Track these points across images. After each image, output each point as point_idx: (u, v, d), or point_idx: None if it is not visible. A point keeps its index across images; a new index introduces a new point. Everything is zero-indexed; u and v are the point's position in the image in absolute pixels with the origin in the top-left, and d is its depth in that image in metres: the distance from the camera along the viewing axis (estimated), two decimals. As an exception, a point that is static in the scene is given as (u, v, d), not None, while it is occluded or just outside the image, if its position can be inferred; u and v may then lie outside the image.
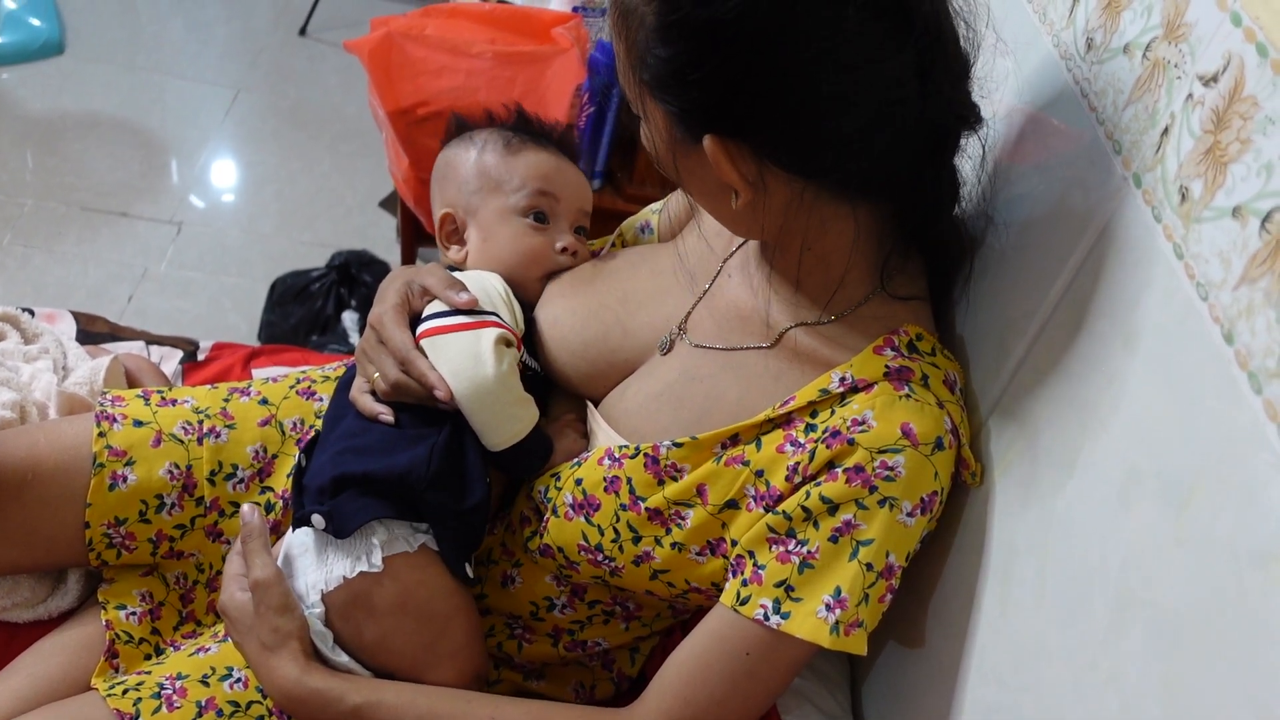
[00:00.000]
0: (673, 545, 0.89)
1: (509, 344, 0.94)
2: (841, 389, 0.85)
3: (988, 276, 0.93)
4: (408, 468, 0.90)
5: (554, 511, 0.94)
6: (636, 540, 0.90)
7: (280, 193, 2.56)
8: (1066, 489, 0.75)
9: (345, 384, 1.01)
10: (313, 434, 1.03)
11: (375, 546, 0.90)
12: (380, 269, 2.26)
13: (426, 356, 0.93)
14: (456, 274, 1.00)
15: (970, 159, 0.89)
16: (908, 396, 0.83)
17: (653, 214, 1.18)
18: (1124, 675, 0.64)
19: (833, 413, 0.84)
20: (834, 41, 0.74)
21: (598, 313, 1.01)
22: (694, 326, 0.96)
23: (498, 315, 0.97)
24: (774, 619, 0.82)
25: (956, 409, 0.86)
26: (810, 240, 0.85)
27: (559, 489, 0.94)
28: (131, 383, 1.24)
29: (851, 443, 0.81)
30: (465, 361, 0.92)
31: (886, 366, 0.84)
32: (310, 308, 2.20)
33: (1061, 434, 0.77)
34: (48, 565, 1.06)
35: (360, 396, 0.96)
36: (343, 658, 0.91)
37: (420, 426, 0.93)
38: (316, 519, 0.90)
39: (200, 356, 1.42)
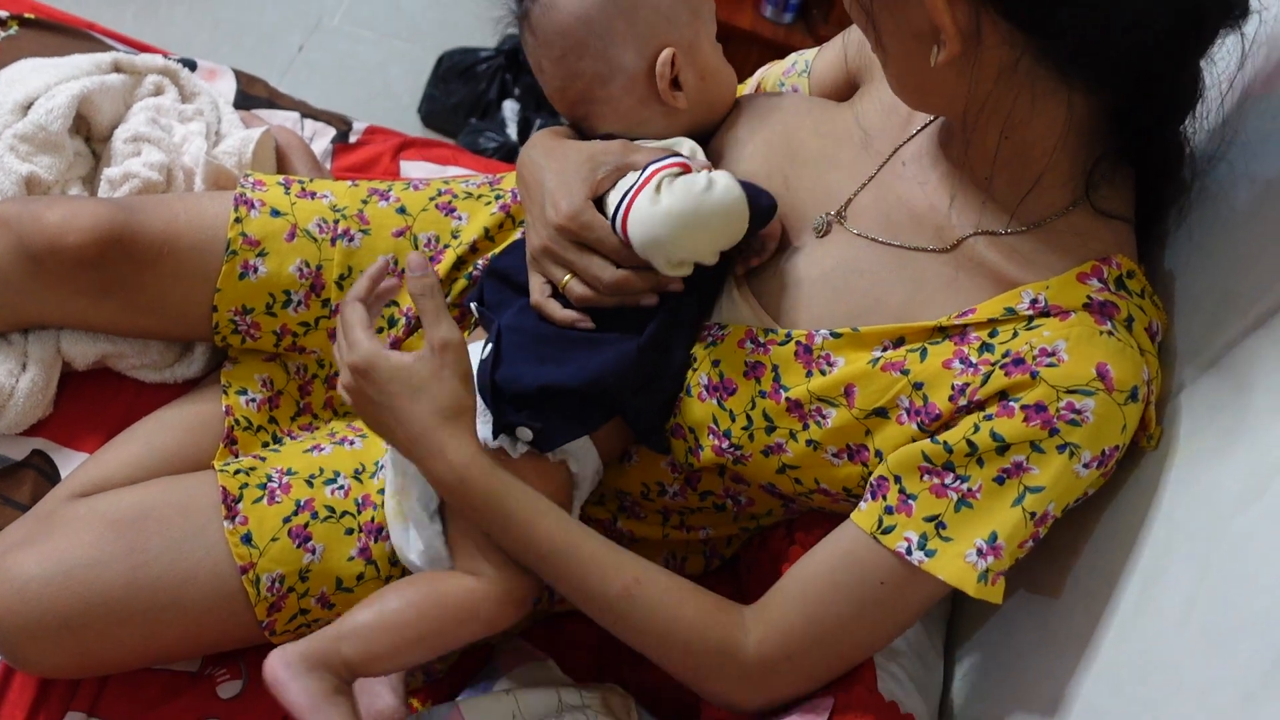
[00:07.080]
0: (808, 442, 0.83)
1: (676, 175, 0.85)
2: (1031, 311, 0.76)
3: (1216, 229, 0.80)
4: (615, 381, 0.86)
5: (687, 391, 0.89)
6: (770, 430, 0.85)
7: (464, -43, 2.45)
8: (1251, 507, 0.66)
9: (501, 274, 0.94)
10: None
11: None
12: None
13: (631, 246, 0.84)
14: (644, 144, 0.90)
15: (1215, 66, 0.74)
16: (1109, 334, 0.74)
17: (799, 75, 1.05)
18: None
19: (1015, 335, 0.76)
20: None
21: (767, 158, 0.92)
22: (856, 214, 0.87)
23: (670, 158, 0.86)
24: (917, 554, 0.76)
25: (1155, 361, 0.76)
26: (1014, 124, 0.74)
27: (694, 369, 0.89)
28: (281, 159, 1.22)
29: (1035, 376, 0.73)
30: (657, 220, 0.82)
31: (1089, 297, 0.75)
32: (474, 89, 2.14)
33: (1260, 441, 0.67)
34: (176, 336, 1.09)
35: (547, 303, 0.88)
36: (437, 525, 0.90)
37: (619, 328, 0.87)
38: (523, 431, 0.86)
39: (352, 138, 1.39)
